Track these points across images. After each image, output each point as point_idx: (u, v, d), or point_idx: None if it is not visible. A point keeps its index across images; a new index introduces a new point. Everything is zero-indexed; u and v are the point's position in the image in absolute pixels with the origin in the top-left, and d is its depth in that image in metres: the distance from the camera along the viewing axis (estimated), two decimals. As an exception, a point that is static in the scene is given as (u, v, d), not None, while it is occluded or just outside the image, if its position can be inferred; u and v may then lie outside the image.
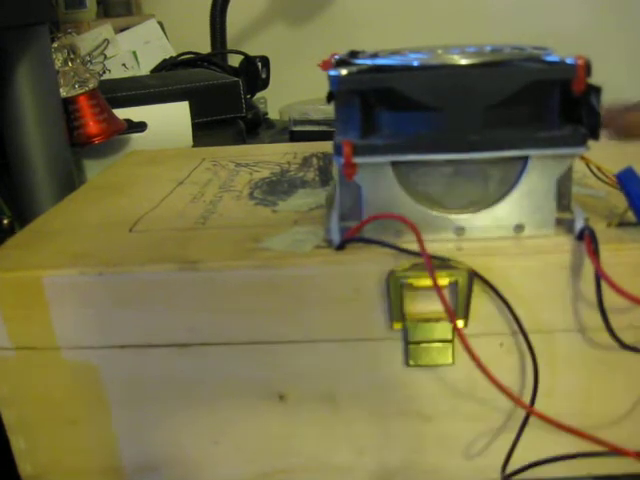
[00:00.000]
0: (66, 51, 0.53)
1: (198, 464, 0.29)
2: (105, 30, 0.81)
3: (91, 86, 0.53)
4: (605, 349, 0.27)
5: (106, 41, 0.79)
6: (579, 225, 0.26)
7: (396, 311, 0.26)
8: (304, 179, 0.37)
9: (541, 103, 0.26)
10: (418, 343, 0.26)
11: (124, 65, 0.81)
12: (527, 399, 0.26)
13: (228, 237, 0.29)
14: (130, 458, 0.29)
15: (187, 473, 0.30)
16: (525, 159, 0.26)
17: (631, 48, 0.95)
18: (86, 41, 0.77)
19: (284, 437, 0.29)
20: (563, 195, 0.27)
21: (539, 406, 0.26)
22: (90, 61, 0.75)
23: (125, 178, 0.40)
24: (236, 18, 0.95)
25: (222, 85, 0.67)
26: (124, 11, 0.93)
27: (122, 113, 0.56)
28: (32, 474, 0.30)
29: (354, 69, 0.26)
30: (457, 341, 0.26)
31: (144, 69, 0.82)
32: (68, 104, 0.52)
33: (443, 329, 0.26)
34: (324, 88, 0.26)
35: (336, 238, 0.27)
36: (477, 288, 0.26)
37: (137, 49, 0.82)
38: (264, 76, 0.81)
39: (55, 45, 0.52)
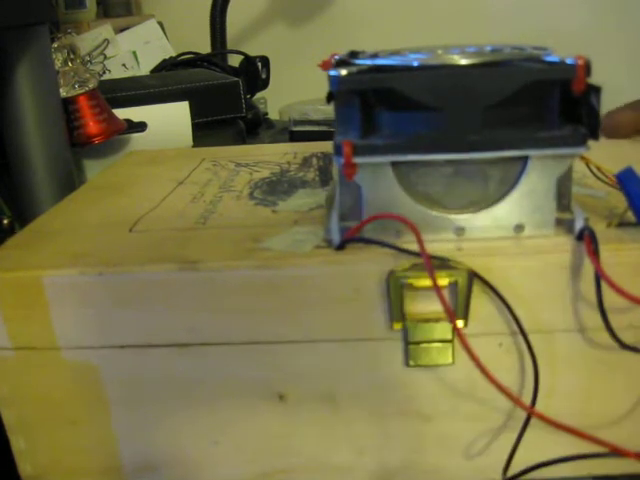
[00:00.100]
0: (66, 51, 0.53)
1: (198, 464, 0.29)
2: (105, 30, 0.81)
3: (91, 86, 0.53)
4: (605, 349, 0.27)
5: (106, 41, 0.79)
6: (579, 225, 0.26)
7: (396, 311, 0.26)
8: (304, 179, 0.37)
9: (541, 103, 0.26)
10: (418, 343, 0.26)
11: (124, 65, 0.81)
12: (527, 399, 0.26)
13: (228, 237, 0.29)
14: (130, 458, 0.29)
15: (187, 473, 0.30)
16: (525, 159, 0.26)
17: (631, 48, 0.95)
18: (86, 41, 0.77)
19: (284, 437, 0.29)
20: (563, 195, 0.27)
21: (539, 406, 0.26)
22: (90, 61, 0.75)
23: (125, 178, 0.40)
24: (236, 18, 0.95)
25: (222, 85, 0.67)
26: (124, 11, 0.93)
27: (122, 113, 0.56)
28: (32, 474, 0.30)
29: (354, 69, 0.26)
30: (457, 341, 0.26)
31: (144, 69, 0.82)
32: (68, 104, 0.52)
33: (443, 329, 0.26)
34: (324, 88, 0.26)
35: (336, 238, 0.27)
36: (477, 288, 0.26)
37: (137, 49, 0.82)
38: (264, 76, 0.81)
39: (55, 45, 0.52)
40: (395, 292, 0.26)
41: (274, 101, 0.86)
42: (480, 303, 0.26)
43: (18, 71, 0.45)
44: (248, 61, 0.81)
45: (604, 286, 0.25)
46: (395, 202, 0.26)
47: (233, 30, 0.95)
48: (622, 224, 0.28)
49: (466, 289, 0.26)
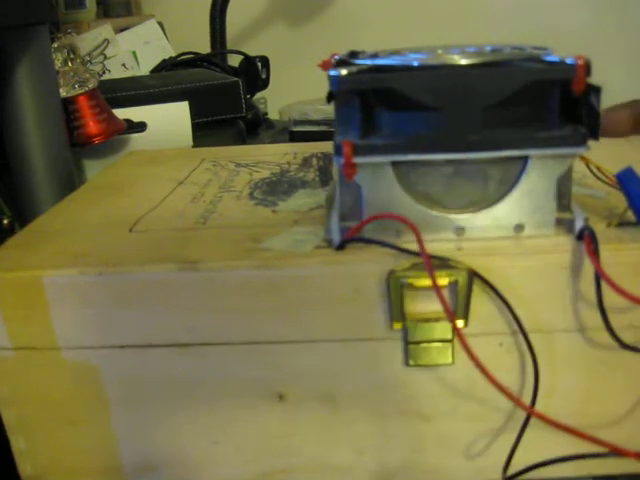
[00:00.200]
0: (66, 51, 0.53)
1: (198, 464, 0.29)
2: (105, 30, 0.81)
3: (91, 86, 0.53)
4: (605, 349, 0.27)
5: (106, 41, 0.79)
6: (579, 225, 0.26)
7: (396, 311, 0.26)
8: (304, 179, 0.37)
9: (541, 103, 0.26)
10: (418, 343, 0.26)
11: (124, 65, 0.81)
12: (527, 399, 0.26)
13: (228, 237, 0.29)
14: (130, 458, 0.29)
15: (187, 473, 0.30)
16: (525, 159, 0.26)
17: (631, 48, 0.95)
18: (86, 41, 0.77)
19: (284, 437, 0.29)
20: (563, 195, 0.27)
21: (539, 406, 0.26)
22: (90, 61, 0.75)
23: (125, 178, 0.40)
24: (236, 18, 0.95)
25: (222, 85, 0.66)
26: (124, 11, 0.93)
27: (122, 113, 0.56)
28: (32, 474, 0.30)
29: (354, 69, 0.26)
30: (457, 341, 0.26)
31: (144, 69, 0.82)
32: (68, 104, 0.52)
33: (443, 329, 0.26)
34: (324, 88, 0.26)
35: (336, 238, 0.27)
36: (477, 288, 0.26)
37: (137, 49, 0.82)
38: (264, 76, 0.81)
39: (55, 45, 0.52)
40: (395, 292, 0.26)
41: (274, 101, 0.86)
42: (480, 303, 0.26)
43: (18, 71, 0.45)
44: (248, 61, 0.81)
45: (604, 286, 0.25)
46: (395, 202, 0.26)
47: (233, 30, 0.95)
48: (622, 224, 0.28)
49: (466, 289, 0.26)
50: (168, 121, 0.60)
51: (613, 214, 0.29)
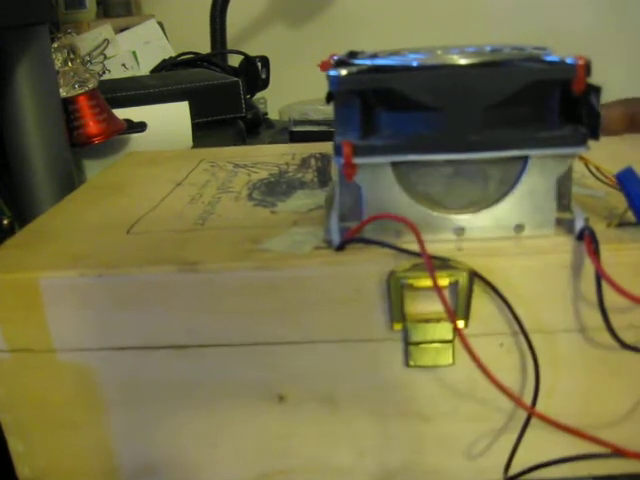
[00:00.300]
0: (66, 51, 0.53)
1: (197, 466, 0.29)
2: (105, 30, 0.81)
3: (91, 86, 0.53)
4: (606, 349, 0.27)
5: (106, 41, 0.79)
6: (579, 225, 0.26)
7: (396, 312, 0.26)
8: (302, 180, 0.37)
9: (541, 103, 0.26)
10: (418, 344, 0.26)
11: (124, 65, 0.81)
12: (527, 399, 0.26)
13: (227, 238, 0.29)
14: (128, 460, 0.29)
15: (186, 475, 0.29)
16: (525, 159, 0.26)
17: (631, 48, 0.95)
18: (86, 41, 0.77)
19: (284, 438, 0.29)
20: (563, 195, 0.27)
21: (540, 406, 0.26)
22: (90, 61, 0.75)
23: (123, 179, 0.40)
24: (236, 18, 0.95)
25: (222, 85, 0.66)
26: (124, 11, 0.93)
27: (122, 113, 0.56)
28: (30, 477, 0.30)
29: (354, 69, 0.26)
30: (457, 341, 0.26)
31: (144, 69, 0.82)
32: (68, 104, 0.52)
33: (443, 329, 0.26)
34: (324, 88, 0.26)
35: (336, 239, 0.27)
36: (477, 288, 0.26)
37: (137, 49, 0.82)
38: (264, 76, 0.81)
39: (55, 45, 0.52)
40: (395, 292, 0.26)
41: (274, 101, 0.86)
42: (480, 303, 0.26)
43: (18, 71, 0.45)
44: (248, 61, 0.81)
45: (604, 286, 0.25)
46: (395, 202, 0.26)
47: (233, 30, 0.95)
48: (622, 224, 0.28)
49: (467, 289, 0.26)
50: (168, 121, 0.60)
51: (613, 214, 0.29)
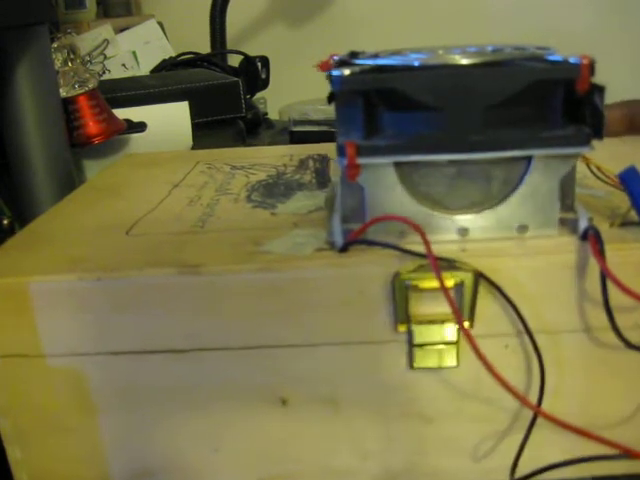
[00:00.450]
0: (66, 51, 0.53)
1: (198, 471, 0.29)
2: (105, 30, 0.81)
3: (91, 86, 0.53)
4: (611, 349, 0.27)
5: (106, 41, 0.79)
6: (583, 225, 0.26)
7: (401, 313, 0.26)
8: (301, 182, 0.37)
9: (544, 103, 0.26)
10: (423, 345, 0.26)
11: (124, 65, 0.81)
12: (533, 400, 0.26)
13: (227, 240, 0.28)
14: (126, 466, 0.29)
15: (186, 480, 0.29)
16: (528, 159, 0.26)
17: (634, 48, 0.95)
18: (86, 41, 0.77)
19: (286, 442, 0.28)
20: (566, 195, 0.27)
21: (545, 406, 0.26)
22: (90, 61, 0.75)
23: (121, 181, 0.40)
24: (236, 18, 0.95)
25: (222, 85, 0.66)
26: (124, 11, 0.93)
27: (122, 113, 0.56)
28: (28, 483, 0.30)
29: (356, 69, 0.25)
30: (462, 343, 0.26)
31: (144, 69, 0.82)
32: (68, 104, 0.52)
33: (448, 331, 0.26)
34: (324, 88, 0.26)
35: (339, 240, 0.26)
36: (482, 289, 0.26)
37: (137, 49, 0.82)
38: (264, 76, 0.81)
39: (55, 45, 0.52)
40: (400, 294, 0.25)
41: (274, 101, 0.86)
42: (485, 304, 0.26)
43: (18, 71, 0.44)
44: (248, 61, 0.81)
45: (609, 285, 0.24)
46: (398, 203, 0.26)
47: (233, 30, 0.95)
48: (625, 223, 0.28)
49: (472, 290, 0.26)
50: (168, 121, 0.60)
51: (616, 214, 0.29)
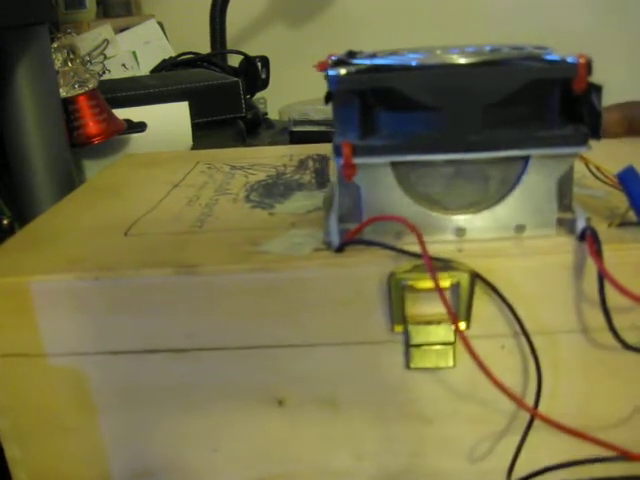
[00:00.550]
0: (66, 51, 0.53)
1: (196, 471, 0.29)
2: (105, 30, 0.81)
3: (91, 86, 0.53)
4: (608, 350, 0.27)
5: (106, 41, 0.79)
6: (581, 225, 0.26)
7: (397, 313, 0.26)
8: (300, 182, 0.37)
9: (541, 102, 0.26)
10: (419, 346, 0.26)
11: (124, 65, 0.81)
12: (529, 401, 0.26)
13: (225, 240, 0.28)
14: (125, 465, 0.29)
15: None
16: (526, 159, 0.26)
17: (632, 47, 0.95)
18: (86, 41, 0.77)
19: (284, 442, 0.28)
20: (564, 195, 0.27)
21: (542, 408, 0.26)
22: (90, 61, 0.75)
23: (120, 181, 0.40)
24: (236, 18, 0.95)
25: (222, 85, 0.66)
26: (124, 11, 0.93)
27: (122, 113, 0.56)
28: (27, 483, 0.30)
29: (353, 69, 0.25)
30: (458, 343, 0.26)
31: (144, 69, 0.82)
32: (68, 104, 0.52)
33: (444, 331, 0.26)
34: (324, 88, 0.26)
35: (335, 240, 0.26)
36: (478, 290, 0.26)
37: (137, 49, 0.82)
38: (264, 76, 0.81)
39: (55, 45, 0.52)
40: (396, 294, 0.25)
41: (274, 101, 0.86)
42: (482, 305, 0.26)
43: (18, 71, 0.44)
44: (248, 61, 0.81)
45: (606, 286, 0.24)
46: (395, 203, 0.26)
47: (233, 30, 0.95)
48: (623, 224, 0.27)
49: (468, 291, 0.25)
50: (168, 121, 0.60)
51: (614, 214, 0.29)
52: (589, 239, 0.25)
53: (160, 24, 0.89)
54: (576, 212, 0.26)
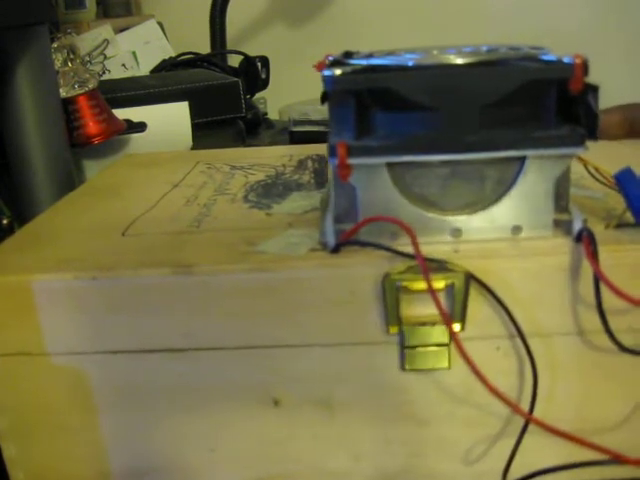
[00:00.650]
0: (66, 51, 0.53)
1: (193, 470, 0.29)
2: (105, 30, 0.81)
3: (91, 86, 0.53)
4: (604, 352, 0.27)
5: (106, 41, 0.79)
6: (577, 226, 0.26)
7: (392, 315, 0.26)
8: (299, 182, 0.37)
9: (538, 103, 0.26)
10: (414, 347, 0.26)
11: (124, 65, 0.81)
12: (525, 403, 0.26)
13: (222, 240, 0.28)
14: (123, 464, 0.29)
15: (182, 479, 0.29)
16: (522, 159, 0.26)
17: (629, 47, 0.94)
18: (86, 41, 0.77)
19: (280, 442, 0.28)
20: (561, 196, 0.27)
21: (537, 411, 0.25)
22: (90, 61, 0.75)
23: (120, 180, 0.40)
24: (236, 18, 0.95)
25: (222, 85, 0.66)
26: (124, 11, 0.93)
27: (122, 113, 0.56)
28: (24, 481, 0.30)
29: (348, 69, 0.25)
30: (454, 345, 0.26)
31: (144, 69, 0.82)
32: (68, 104, 0.52)
33: (439, 333, 0.26)
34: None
35: (331, 241, 0.26)
36: (474, 291, 0.26)
37: (137, 49, 0.82)
38: (264, 76, 0.81)
39: (55, 45, 0.52)
40: (390, 295, 0.25)
41: (274, 101, 0.86)
42: (477, 306, 0.26)
43: (18, 71, 0.45)
44: (248, 61, 0.81)
45: (603, 288, 0.24)
46: (390, 204, 0.26)
47: (233, 30, 0.95)
48: (620, 225, 0.27)
49: (463, 292, 0.25)
50: (168, 121, 0.60)
51: (611, 215, 0.29)
52: (585, 241, 0.25)
53: (160, 24, 0.89)
54: (573, 213, 0.26)
